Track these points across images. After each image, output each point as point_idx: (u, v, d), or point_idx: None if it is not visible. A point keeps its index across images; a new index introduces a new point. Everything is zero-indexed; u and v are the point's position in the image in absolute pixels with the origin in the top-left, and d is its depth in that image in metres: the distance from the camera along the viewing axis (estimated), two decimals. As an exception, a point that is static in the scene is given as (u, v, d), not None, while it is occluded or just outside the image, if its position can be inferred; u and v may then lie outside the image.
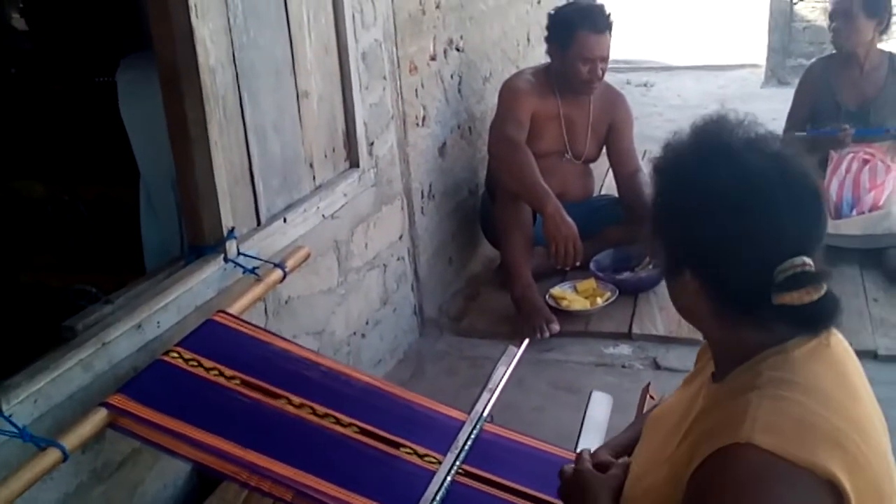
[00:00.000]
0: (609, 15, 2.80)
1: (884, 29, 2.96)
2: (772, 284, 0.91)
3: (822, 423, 0.89)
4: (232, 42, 1.69)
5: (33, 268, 2.29)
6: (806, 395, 0.92)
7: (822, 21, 6.41)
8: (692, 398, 1.06)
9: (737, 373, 0.98)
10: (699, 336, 2.64)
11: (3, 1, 2.18)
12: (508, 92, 2.87)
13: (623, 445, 1.22)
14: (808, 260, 0.91)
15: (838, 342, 1.00)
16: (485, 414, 1.47)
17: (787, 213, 0.93)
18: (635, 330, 2.57)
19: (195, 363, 1.43)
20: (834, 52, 3.17)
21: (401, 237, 2.56)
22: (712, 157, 0.96)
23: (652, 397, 1.57)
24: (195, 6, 1.55)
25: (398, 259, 2.55)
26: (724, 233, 0.94)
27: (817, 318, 0.94)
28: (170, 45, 1.56)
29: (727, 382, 0.98)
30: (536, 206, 2.69)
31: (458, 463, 1.33)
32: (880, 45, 3.03)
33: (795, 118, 3.16)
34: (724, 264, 0.95)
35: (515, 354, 1.63)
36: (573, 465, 1.14)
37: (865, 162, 2.84)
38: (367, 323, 2.35)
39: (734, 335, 0.98)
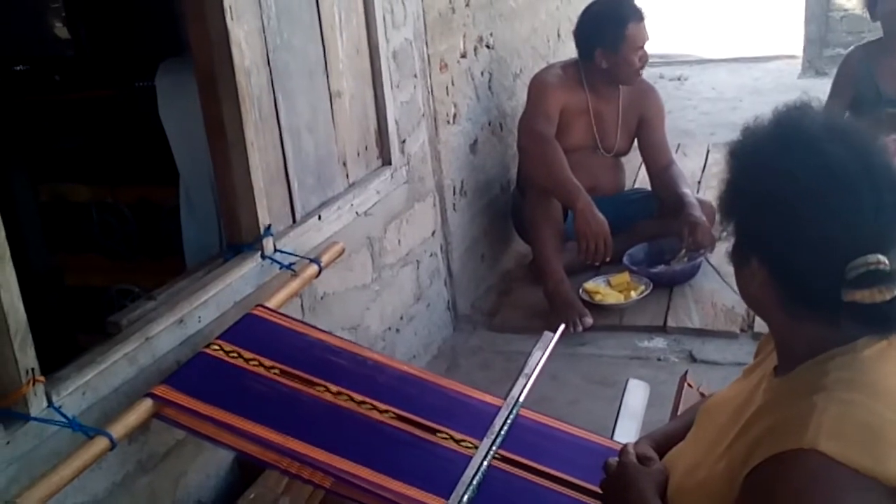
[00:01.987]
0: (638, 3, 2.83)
1: None
2: (843, 280, 0.88)
3: (891, 428, 0.86)
4: (266, 44, 1.74)
5: (79, 269, 2.37)
6: (875, 398, 0.89)
7: (860, 10, 6.29)
8: (752, 391, 1.03)
9: (802, 369, 0.95)
10: (736, 328, 2.61)
11: (46, 11, 2.25)
12: (537, 86, 2.88)
13: (667, 437, 1.21)
14: (883, 258, 0.87)
15: None
16: (521, 399, 1.48)
17: (866, 208, 0.89)
18: (670, 323, 2.56)
19: (235, 355, 1.47)
20: (873, 39, 3.10)
21: (433, 234, 2.59)
22: (792, 143, 0.94)
23: (690, 385, 1.56)
24: (230, 8, 1.59)
25: (431, 255, 2.57)
26: (797, 222, 0.91)
27: (888, 319, 0.90)
28: (206, 47, 1.61)
29: (791, 379, 0.96)
30: (567, 202, 2.69)
31: (494, 448, 1.35)
32: None
33: (834, 106, 3.10)
34: (794, 255, 0.92)
35: (552, 340, 1.63)
36: (617, 459, 1.13)
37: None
38: (401, 318, 2.38)
39: (801, 329, 0.96)
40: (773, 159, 0.94)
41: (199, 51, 1.63)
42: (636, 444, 1.18)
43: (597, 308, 2.63)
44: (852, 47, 3.29)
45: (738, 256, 1.00)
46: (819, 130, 0.94)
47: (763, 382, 1.02)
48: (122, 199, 2.26)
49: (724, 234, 1.01)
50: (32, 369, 1.21)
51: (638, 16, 2.79)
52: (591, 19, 2.87)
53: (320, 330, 1.64)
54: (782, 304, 0.96)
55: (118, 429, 1.25)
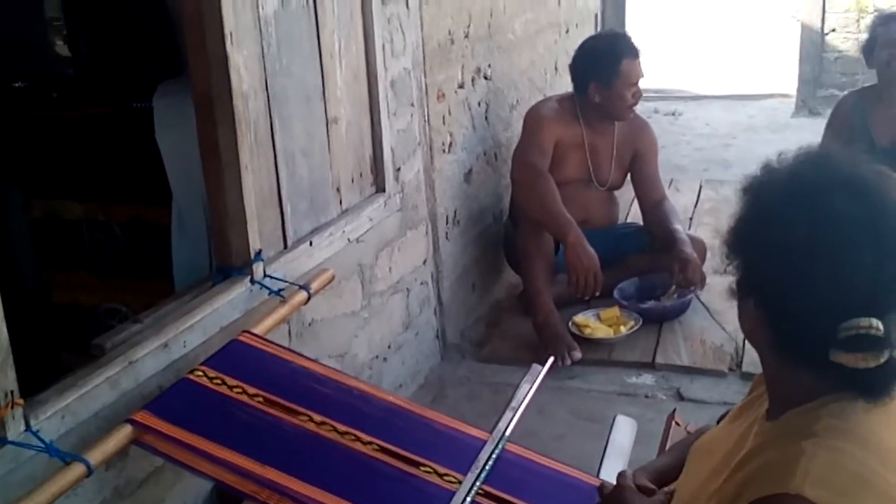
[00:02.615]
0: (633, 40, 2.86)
1: None
2: (833, 339, 0.86)
3: (878, 480, 0.86)
4: (265, 69, 1.74)
5: (67, 286, 2.35)
6: (864, 449, 0.88)
7: (854, 51, 6.37)
8: (743, 433, 1.02)
9: (793, 414, 0.94)
10: (724, 367, 2.61)
11: (48, 29, 2.26)
12: (532, 119, 2.90)
13: (661, 471, 1.20)
14: (876, 322, 0.85)
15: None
16: (507, 433, 1.47)
17: (866, 269, 0.86)
18: (659, 360, 2.55)
19: (219, 381, 1.45)
20: (867, 85, 3.12)
21: (425, 262, 2.58)
22: (802, 192, 0.91)
23: (678, 424, 1.55)
24: (231, 34, 1.60)
25: (421, 283, 2.57)
26: (794, 274, 0.89)
27: (872, 385, 0.89)
28: (205, 71, 1.61)
29: (781, 423, 0.95)
30: (558, 235, 2.70)
31: (478, 483, 1.33)
32: None
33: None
34: (789, 305, 0.90)
35: (539, 373, 1.62)
36: (614, 483, 1.13)
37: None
38: (389, 347, 2.36)
39: (793, 375, 0.94)
40: (780, 206, 0.92)
41: (197, 74, 1.63)
42: (634, 474, 1.17)
43: (586, 342, 2.62)
44: (846, 92, 3.30)
45: (739, 291, 0.99)
46: (835, 182, 0.91)
47: (755, 425, 1.01)
48: (113, 218, 2.24)
49: (729, 268, 1.00)
50: (12, 392, 1.19)
51: (633, 53, 2.82)
52: (587, 54, 2.90)
53: (306, 357, 1.63)
54: (775, 348, 0.95)
55: (96, 455, 1.23)
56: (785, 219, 0.91)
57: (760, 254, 0.94)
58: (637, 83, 2.83)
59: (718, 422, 1.21)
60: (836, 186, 0.90)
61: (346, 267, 2.09)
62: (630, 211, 3.46)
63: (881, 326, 0.85)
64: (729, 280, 1.01)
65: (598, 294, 2.66)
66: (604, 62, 2.81)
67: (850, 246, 0.87)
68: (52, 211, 2.27)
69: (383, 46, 2.20)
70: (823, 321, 0.87)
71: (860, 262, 0.86)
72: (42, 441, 1.21)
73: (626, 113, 2.88)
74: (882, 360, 0.86)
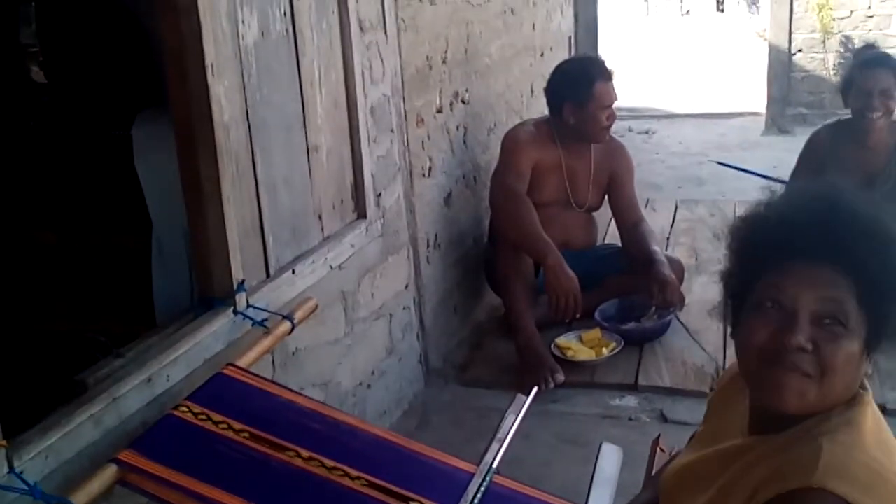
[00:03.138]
0: (608, 64, 2.91)
1: None
2: None
3: (889, 475, 0.89)
4: (246, 100, 1.74)
5: (44, 315, 2.31)
6: (875, 445, 0.92)
7: (821, 71, 6.53)
8: (723, 455, 1.03)
9: (805, 423, 0.95)
10: (706, 388, 2.61)
11: (24, 55, 2.24)
12: (510, 143, 2.92)
13: None
14: None
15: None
16: (494, 465, 1.47)
17: None
18: (641, 381, 2.57)
19: (204, 417, 1.43)
20: (842, 119, 3.11)
21: (406, 286, 2.58)
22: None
23: (662, 450, 1.56)
24: (212, 66, 1.60)
25: (404, 308, 2.56)
26: None
27: None
28: (185, 103, 1.61)
29: (789, 433, 0.96)
30: (537, 258, 2.72)
31: (466, 519, 1.33)
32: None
33: (800, 180, 3.15)
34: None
35: (524, 403, 1.62)
36: None
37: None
38: (372, 373, 2.35)
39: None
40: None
41: (178, 106, 1.63)
42: None
43: (568, 364, 2.63)
44: (821, 125, 3.27)
45: (888, 339, 0.95)
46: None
47: (738, 442, 1.02)
48: (91, 246, 2.22)
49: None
50: (-6, 434, 1.17)
51: (606, 76, 2.86)
52: (561, 77, 2.94)
53: (292, 390, 1.61)
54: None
55: (80, 497, 1.20)
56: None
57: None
58: (611, 105, 2.86)
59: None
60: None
61: (328, 294, 2.08)
62: (608, 231, 3.49)
63: None
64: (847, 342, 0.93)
65: (578, 316, 2.67)
66: (577, 85, 2.84)
67: None
68: (33, 239, 2.24)
69: (363, 74, 2.21)
70: None
71: None
72: (26, 483, 1.19)
73: (600, 135, 2.91)
74: None
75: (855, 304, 0.92)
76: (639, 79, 9.18)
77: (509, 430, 1.55)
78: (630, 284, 2.92)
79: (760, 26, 10.15)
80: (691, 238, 3.72)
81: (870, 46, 3.87)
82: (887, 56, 3.13)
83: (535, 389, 1.70)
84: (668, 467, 1.23)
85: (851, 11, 6.23)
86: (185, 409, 1.43)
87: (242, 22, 1.71)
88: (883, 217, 0.95)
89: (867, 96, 2.86)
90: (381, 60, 2.36)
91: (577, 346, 2.72)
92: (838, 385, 0.94)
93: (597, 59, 2.99)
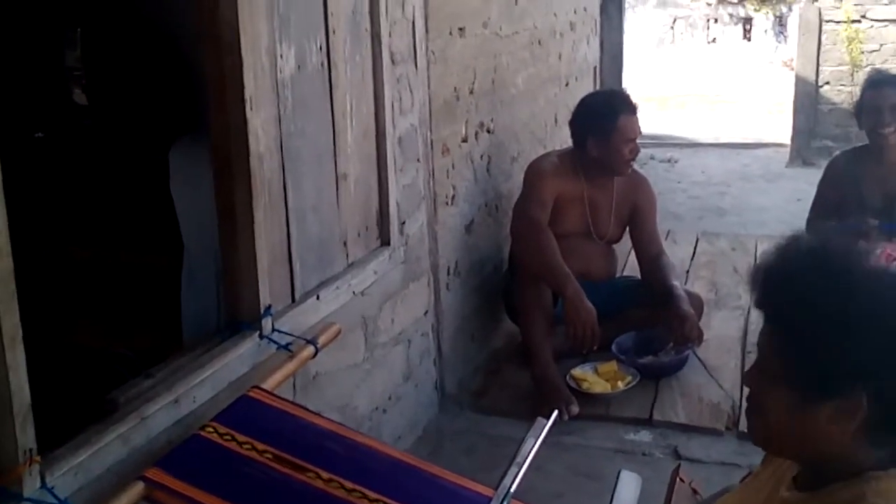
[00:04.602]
0: (632, 98, 2.95)
1: None
2: None
3: None
4: (281, 131, 1.80)
5: (74, 329, 2.37)
6: None
7: (848, 104, 6.51)
8: (766, 499, 1.05)
9: (837, 488, 0.96)
10: (721, 426, 2.61)
11: (68, 77, 2.32)
12: (533, 174, 2.97)
13: None
14: None
15: None
16: (512, 489, 1.48)
17: None
18: (656, 416, 2.58)
19: (229, 437, 1.48)
20: (858, 145, 3.21)
21: (426, 313, 2.62)
22: (862, 271, 0.95)
23: (682, 480, 1.57)
24: (250, 99, 1.66)
25: (422, 335, 2.60)
26: (884, 351, 0.92)
27: None
28: (224, 134, 1.67)
29: (823, 495, 0.97)
30: (556, 289, 2.75)
31: (482, 545, 1.35)
32: None
33: (820, 209, 3.20)
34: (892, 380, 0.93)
35: (544, 427, 1.63)
36: None
37: (892, 259, 2.87)
38: (389, 398, 2.39)
39: (848, 451, 0.96)
40: (857, 289, 0.93)
41: (216, 136, 1.69)
42: None
43: (583, 396, 2.65)
44: (838, 152, 3.39)
45: (815, 394, 0.95)
46: (862, 269, 0.96)
47: (778, 494, 1.03)
48: (124, 263, 2.29)
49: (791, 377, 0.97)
50: (31, 450, 1.22)
51: (630, 109, 2.90)
52: (586, 110, 2.99)
53: (313, 413, 1.66)
54: (864, 432, 0.94)
55: (109, 513, 1.25)
56: (866, 294, 0.93)
57: (860, 341, 0.92)
58: (634, 139, 2.90)
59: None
60: (873, 276, 0.96)
61: (350, 319, 2.13)
62: (627, 262, 3.52)
63: None
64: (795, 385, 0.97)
65: (596, 347, 2.70)
66: (601, 118, 2.89)
67: None
68: (69, 255, 2.31)
69: (392, 105, 2.27)
70: None
71: None
72: (57, 498, 1.24)
73: (623, 168, 2.95)
74: None
75: (775, 350, 0.98)
76: (663, 107, 9.20)
77: (528, 455, 1.57)
78: (648, 318, 2.94)
79: (787, 55, 10.17)
80: (711, 272, 3.73)
81: (879, 70, 3.95)
82: (895, 76, 3.26)
83: (555, 413, 1.70)
84: (718, 499, 1.23)
85: (881, 45, 6.22)
86: (211, 429, 1.48)
87: (281, 56, 1.78)
88: (832, 268, 0.95)
89: (878, 112, 2.95)
90: (411, 92, 2.42)
91: (593, 378, 2.74)
92: (776, 427, 0.99)
93: (621, 93, 3.04)
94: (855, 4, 6.15)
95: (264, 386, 1.64)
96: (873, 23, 6.20)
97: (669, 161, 6.61)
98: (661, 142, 7.14)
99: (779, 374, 0.97)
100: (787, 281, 0.97)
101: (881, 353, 0.92)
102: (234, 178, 1.69)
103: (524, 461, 1.54)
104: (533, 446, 1.58)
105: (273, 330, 1.79)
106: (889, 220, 2.97)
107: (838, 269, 0.95)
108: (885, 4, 6.16)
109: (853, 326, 0.92)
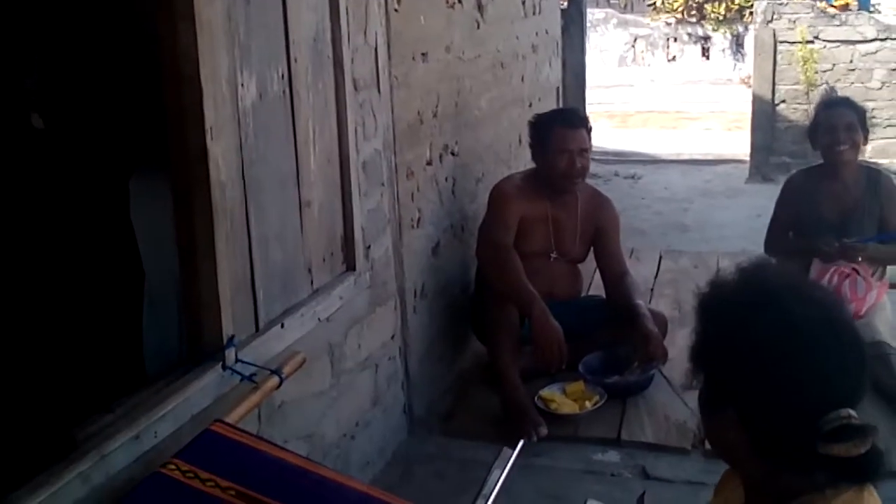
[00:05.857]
0: (582, 114, 3.00)
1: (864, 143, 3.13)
2: (818, 434, 0.92)
3: None
4: (242, 159, 1.79)
5: (35, 361, 2.31)
6: None
7: (804, 121, 6.68)
8: None
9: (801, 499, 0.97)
10: (688, 444, 2.64)
11: (25, 101, 2.28)
12: (497, 196, 2.99)
13: None
14: (852, 412, 0.93)
15: (871, 493, 0.99)
16: (481, 522, 1.48)
17: (832, 364, 0.95)
18: (624, 436, 2.59)
19: (192, 475, 1.45)
20: (813, 164, 3.29)
21: (393, 337, 2.61)
22: (760, 304, 0.99)
23: (648, 510, 1.58)
24: (211, 129, 1.65)
25: (390, 359, 2.59)
26: (769, 380, 0.96)
27: (861, 471, 0.95)
28: (184, 164, 1.65)
29: None
30: (523, 309, 2.76)
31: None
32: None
33: (778, 227, 3.27)
34: (769, 409, 0.96)
35: (510, 457, 1.63)
36: None
37: (846, 276, 2.94)
38: (357, 424, 2.37)
39: (773, 477, 0.99)
40: (744, 320, 0.99)
41: (176, 166, 1.67)
42: None
43: (552, 417, 2.66)
44: (794, 171, 3.48)
45: (710, 405, 1.04)
46: (784, 290, 1.00)
47: None
48: (83, 292, 2.24)
49: (695, 382, 1.07)
50: (-14, 495, 1.19)
51: (568, 122, 2.94)
52: (530, 126, 3.06)
53: (278, 447, 1.63)
54: (759, 454, 0.99)
55: (67, 557, 1.22)
56: (753, 331, 0.98)
57: (736, 366, 0.99)
58: (570, 150, 2.88)
59: None
60: (788, 294, 1.00)
61: (315, 347, 2.11)
62: (592, 282, 3.55)
63: (856, 414, 0.93)
64: (697, 396, 1.07)
65: (563, 366, 2.71)
66: (540, 131, 2.96)
67: (814, 345, 0.96)
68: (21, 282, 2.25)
69: (356, 130, 2.27)
70: (805, 418, 0.94)
71: (827, 356, 0.95)
72: (13, 544, 1.20)
73: (561, 181, 2.93)
74: (869, 444, 0.92)
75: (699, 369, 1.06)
76: (626, 124, 9.34)
77: (495, 486, 1.57)
78: (615, 336, 2.96)
79: (745, 73, 10.40)
80: (675, 290, 3.77)
81: (832, 91, 4.10)
82: (848, 98, 3.44)
83: (521, 443, 1.71)
84: None
85: (833, 65, 6.40)
86: (173, 466, 1.45)
87: (242, 85, 1.77)
88: (744, 288, 1.02)
89: (833, 131, 3.05)
90: (374, 117, 2.42)
91: (561, 398, 2.75)
92: (706, 427, 1.08)
93: (568, 109, 3.11)
94: (808, 26, 6.34)
95: (228, 419, 1.61)
96: (826, 43, 6.38)
97: (633, 177, 6.70)
98: (624, 158, 7.23)
99: (700, 378, 1.06)
100: (702, 308, 1.06)
101: (745, 382, 0.98)
102: (195, 207, 1.67)
103: (491, 493, 1.54)
104: (499, 477, 1.58)
105: (237, 360, 1.77)
106: (844, 235, 3.04)
107: (744, 302, 1.01)
108: (837, 26, 6.36)
109: (731, 354, 0.99)
